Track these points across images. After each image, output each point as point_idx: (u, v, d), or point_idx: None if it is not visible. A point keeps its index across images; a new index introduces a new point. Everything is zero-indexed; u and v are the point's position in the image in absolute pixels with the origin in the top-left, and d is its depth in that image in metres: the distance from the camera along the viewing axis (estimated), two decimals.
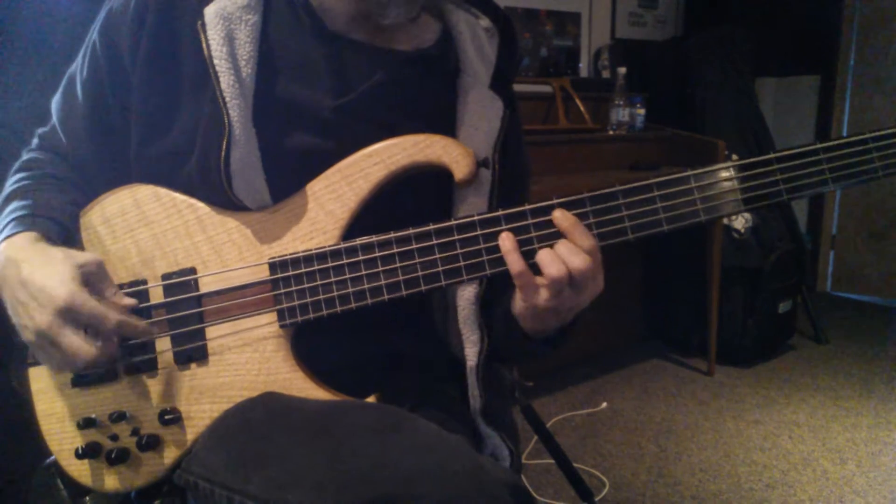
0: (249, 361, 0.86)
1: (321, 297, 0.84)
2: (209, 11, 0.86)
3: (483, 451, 0.98)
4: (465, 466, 0.70)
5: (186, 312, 0.87)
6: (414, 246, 0.83)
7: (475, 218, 0.83)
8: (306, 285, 0.84)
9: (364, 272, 0.83)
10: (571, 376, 3.10)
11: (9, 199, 0.94)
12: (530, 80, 3.29)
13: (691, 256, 3.19)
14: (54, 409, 0.91)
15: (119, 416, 0.87)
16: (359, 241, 0.84)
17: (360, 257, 0.84)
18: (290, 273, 0.85)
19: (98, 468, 0.89)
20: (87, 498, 0.93)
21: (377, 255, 0.83)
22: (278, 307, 0.85)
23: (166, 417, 0.86)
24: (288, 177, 0.87)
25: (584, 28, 3.70)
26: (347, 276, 0.84)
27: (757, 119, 3.47)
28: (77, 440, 0.89)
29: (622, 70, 3.17)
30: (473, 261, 0.82)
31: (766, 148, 3.41)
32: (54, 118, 1.02)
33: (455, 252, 0.83)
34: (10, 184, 0.97)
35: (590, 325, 3.30)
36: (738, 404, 2.83)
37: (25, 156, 1.03)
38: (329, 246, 0.84)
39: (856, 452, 2.42)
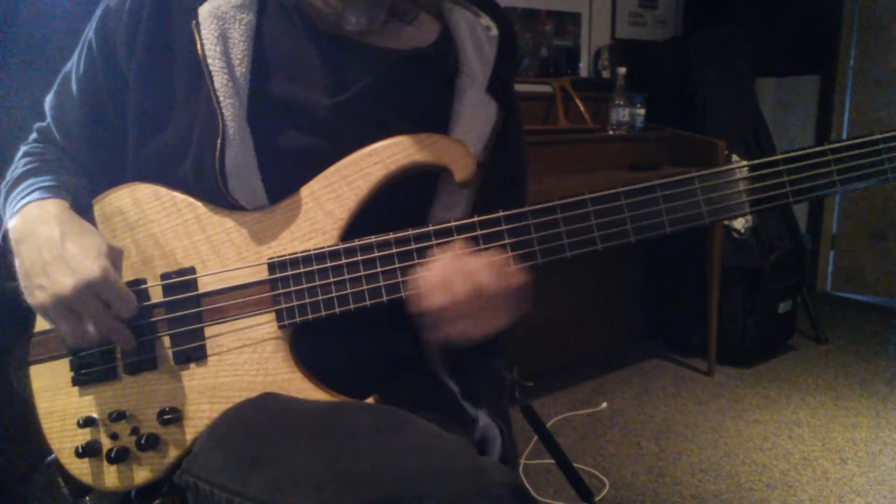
0: (248, 362, 0.86)
1: (320, 297, 0.84)
2: (203, 10, 0.86)
3: (475, 433, 0.98)
4: (466, 467, 0.70)
5: (185, 312, 0.87)
6: (413, 246, 0.83)
7: (475, 220, 0.83)
8: (305, 286, 0.84)
9: (363, 273, 0.83)
10: (571, 376, 3.10)
11: (22, 177, 0.94)
12: (530, 80, 3.29)
13: (691, 256, 3.19)
14: (55, 408, 0.91)
15: (119, 416, 0.88)
16: (358, 241, 0.84)
17: (359, 258, 0.84)
18: (289, 273, 0.85)
19: (98, 467, 0.89)
20: (88, 497, 0.93)
21: (376, 255, 0.83)
22: (277, 308, 0.85)
23: (165, 417, 0.86)
24: (284, 176, 0.87)
25: (584, 28, 3.70)
26: (346, 276, 0.84)
27: (757, 119, 3.47)
28: (77, 439, 0.89)
29: (622, 70, 3.17)
30: None
31: (766, 148, 3.41)
32: (48, 117, 1.02)
33: None
34: (20, 166, 0.97)
35: (590, 325, 3.31)
36: (738, 404, 2.83)
37: (26, 146, 1.03)
38: (328, 246, 0.84)
39: (856, 452, 2.42)
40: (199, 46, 0.85)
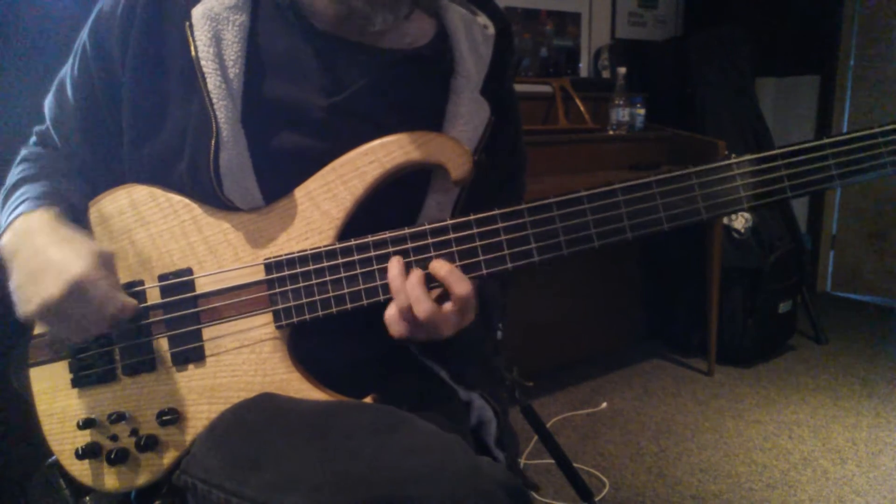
0: (246, 362, 0.86)
1: (317, 297, 0.84)
2: (196, 12, 0.86)
3: (470, 417, 0.98)
4: (463, 467, 0.70)
5: (183, 313, 0.87)
6: (409, 245, 0.83)
7: (471, 217, 0.82)
8: (302, 285, 0.85)
9: (359, 272, 0.84)
10: (571, 376, 3.10)
11: (17, 185, 0.95)
12: (530, 80, 3.29)
13: (691, 256, 3.19)
14: (55, 410, 0.91)
15: (118, 417, 0.88)
16: (354, 241, 0.84)
17: (356, 257, 0.84)
18: (286, 273, 0.85)
19: (98, 468, 0.89)
20: (88, 498, 0.93)
21: (372, 254, 0.83)
22: (274, 308, 0.85)
23: (164, 418, 0.86)
24: (279, 177, 0.87)
25: (584, 28, 3.70)
26: (343, 276, 0.84)
27: (757, 119, 3.47)
28: (77, 440, 0.90)
29: (622, 70, 3.17)
30: (469, 260, 0.82)
31: (766, 148, 3.38)
32: (47, 120, 1.02)
33: (451, 250, 0.82)
34: (16, 173, 0.98)
35: (590, 325, 3.31)
36: (738, 404, 2.83)
37: (25, 151, 1.03)
38: (324, 246, 0.85)
39: (856, 452, 2.42)
40: (192, 48, 0.85)
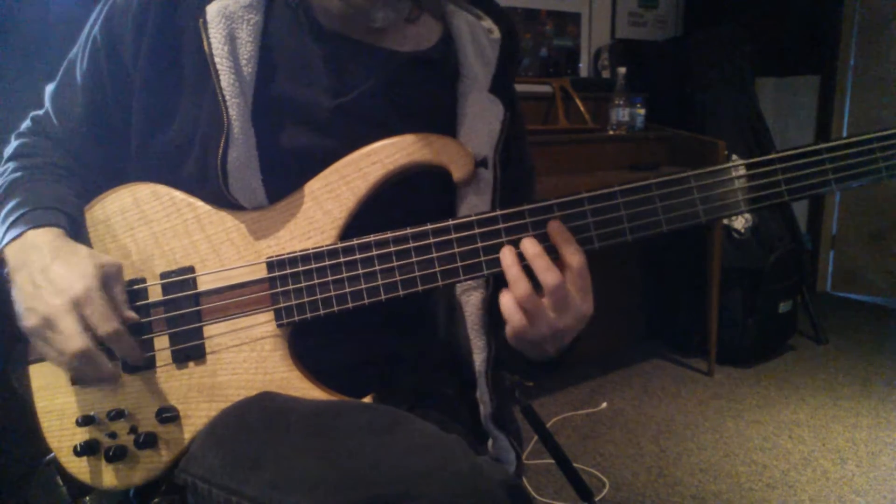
0: (247, 360, 0.86)
1: (318, 296, 0.84)
2: (211, 9, 0.86)
3: (487, 453, 0.97)
4: (463, 467, 0.70)
5: (184, 311, 0.87)
6: (411, 245, 0.83)
7: (472, 218, 0.82)
8: (304, 284, 0.84)
9: (361, 272, 0.83)
10: (571, 376, 3.10)
11: (11, 190, 0.94)
12: (530, 80, 3.29)
13: (691, 256, 3.19)
14: (54, 407, 0.91)
15: (118, 414, 0.88)
16: (356, 240, 0.84)
17: (358, 256, 0.84)
18: (288, 272, 0.85)
19: (96, 466, 0.89)
20: (88, 498, 0.93)
21: (374, 254, 0.83)
22: (275, 306, 0.85)
23: (164, 416, 0.86)
24: (285, 177, 0.87)
25: (584, 28, 3.70)
26: (345, 275, 0.84)
27: (757, 119, 3.47)
28: (76, 437, 0.89)
29: (622, 70, 3.17)
30: (471, 261, 0.82)
31: (766, 148, 3.41)
32: (49, 108, 1.01)
33: (452, 251, 0.82)
34: (10, 171, 0.97)
35: (590, 325, 3.30)
36: (738, 404, 2.83)
37: (17, 141, 1.02)
38: (326, 245, 0.85)
39: (856, 452, 2.42)
40: (206, 45, 0.85)
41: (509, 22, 1.01)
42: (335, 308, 0.84)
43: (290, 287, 0.85)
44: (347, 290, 0.84)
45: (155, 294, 0.88)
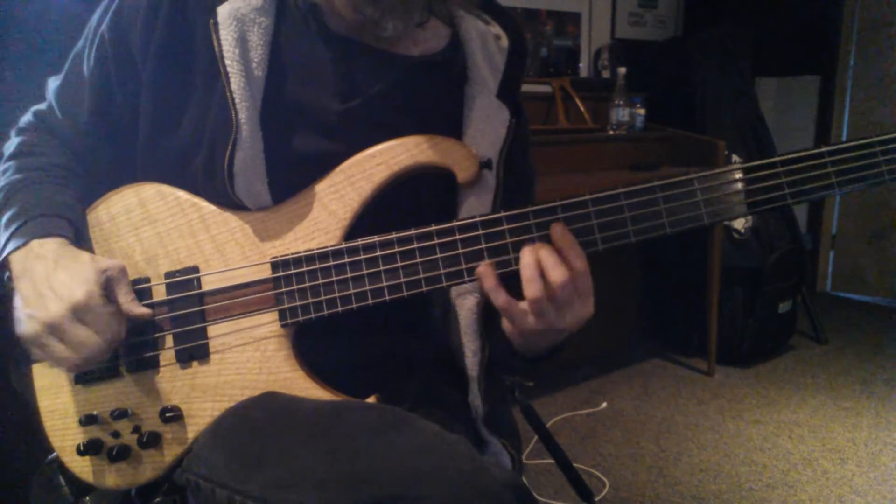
0: (251, 360, 0.86)
1: (322, 297, 0.84)
2: (222, 11, 0.86)
3: (485, 454, 0.97)
4: (467, 467, 0.70)
5: (188, 311, 0.87)
6: (416, 246, 0.83)
7: (477, 219, 0.83)
8: (308, 285, 0.85)
9: (365, 272, 0.84)
10: (571, 376, 3.10)
11: (12, 192, 0.93)
12: (530, 80, 3.29)
13: (691, 256, 3.20)
14: (57, 406, 0.91)
15: (121, 414, 0.88)
16: (360, 241, 0.84)
17: (362, 257, 0.84)
18: (292, 272, 0.85)
19: (99, 465, 0.89)
20: (88, 498, 0.93)
21: (378, 254, 0.83)
22: (280, 307, 0.85)
23: (167, 415, 0.86)
24: (291, 179, 0.87)
25: (584, 28, 3.70)
26: (349, 275, 0.84)
27: (757, 119, 3.47)
28: (79, 437, 0.89)
29: (622, 70, 3.17)
30: (475, 263, 0.82)
31: (766, 148, 3.41)
32: (54, 103, 1.00)
33: (457, 252, 0.83)
34: (10, 172, 0.96)
35: (590, 325, 3.30)
36: (738, 404, 2.83)
37: (17, 137, 1.01)
38: (331, 246, 0.85)
39: (856, 452, 2.42)
40: (216, 46, 0.85)
41: (518, 29, 1.01)
42: (339, 308, 0.84)
43: (295, 287, 0.85)
44: (352, 290, 0.84)
45: (159, 294, 0.88)
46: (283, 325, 0.85)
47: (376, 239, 0.84)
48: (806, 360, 3.28)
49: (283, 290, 0.85)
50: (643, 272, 3.58)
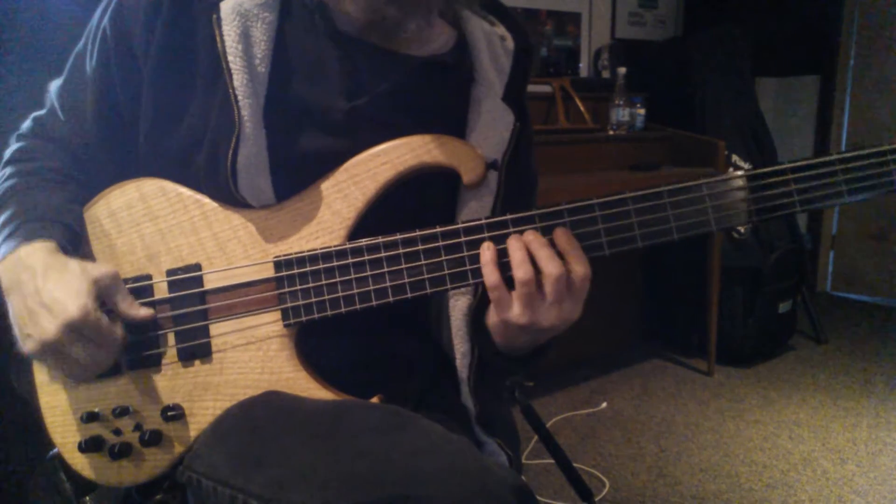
0: (253, 360, 0.86)
1: (326, 297, 0.84)
2: (226, 7, 0.85)
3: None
4: (470, 467, 0.70)
5: (190, 309, 0.87)
6: (420, 248, 0.83)
7: (482, 221, 0.82)
8: (311, 285, 0.84)
9: (369, 273, 0.83)
10: (571, 376, 3.10)
11: (7, 196, 0.92)
12: (530, 80, 3.28)
13: (691, 256, 3.19)
14: (58, 402, 0.91)
15: (122, 411, 0.87)
16: (364, 241, 0.84)
17: (366, 258, 0.83)
18: (295, 272, 0.85)
19: (101, 462, 0.89)
20: (88, 498, 0.93)
21: (383, 255, 0.83)
22: (282, 306, 0.85)
23: (169, 414, 0.85)
24: (295, 177, 0.87)
25: (584, 28, 3.70)
26: (352, 276, 0.84)
27: (757, 119, 3.47)
28: (80, 434, 0.89)
29: (622, 70, 3.17)
30: (479, 265, 0.82)
31: (766, 148, 3.41)
32: (56, 103, 0.99)
33: (462, 255, 0.82)
34: (5, 178, 0.95)
35: (590, 325, 3.30)
36: (738, 404, 2.83)
37: (16, 144, 1.00)
38: (335, 246, 0.84)
39: (856, 452, 2.42)
40: (219, 42, 0.84)
41: (524, 31, 1.00)
42: (342, 309, 0.84)
43: (298, 287, 0.85)
44: (355, 290, 0.83)
45: (161, 291, 0.88)
46: (285, 325, 0.85)
47: (380, 240, 0.83)
48: (806, 360, 3.28)
49: (286, 289, 0.85)
50: (643, 272, 3.58)
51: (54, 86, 1.00)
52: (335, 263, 0.84)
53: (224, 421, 0.84)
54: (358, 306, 0.84)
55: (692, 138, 3.15)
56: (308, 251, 0.85)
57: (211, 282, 0.87)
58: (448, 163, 0.86)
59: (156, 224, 0.89)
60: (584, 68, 3.71)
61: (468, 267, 0.82)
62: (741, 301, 3.20)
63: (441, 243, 0.82)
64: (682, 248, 3.26)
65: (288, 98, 0.88)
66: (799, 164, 0.80)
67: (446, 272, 0.83)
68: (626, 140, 3.13)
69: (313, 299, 0.84)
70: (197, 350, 0.86)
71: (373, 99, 0.91)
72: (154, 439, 0.86)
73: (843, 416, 2.71)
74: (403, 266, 0.83)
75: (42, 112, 1.01)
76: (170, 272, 0.88)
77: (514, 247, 0.80)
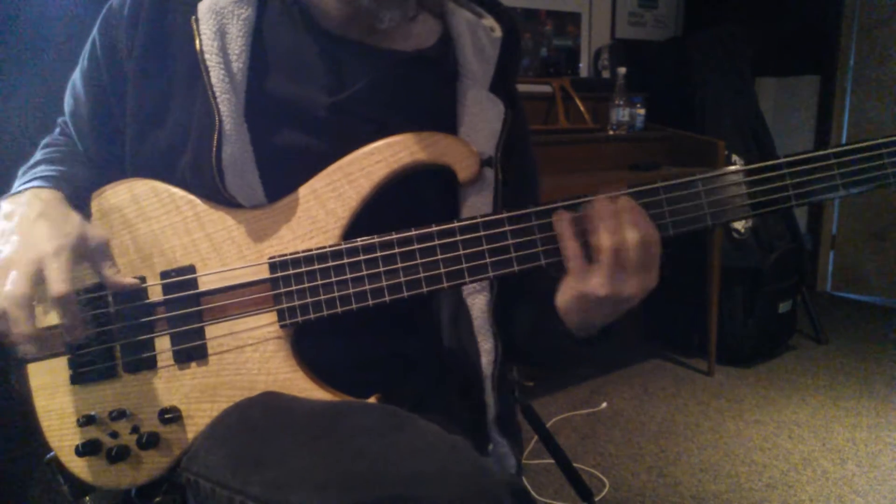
0: (249, 361, 0.85)
1: (321, 297, 0.84)
2: (203, 6, 0.86)
3: (489, 457, 0.97)
4: (468, 468, 0.70)
5: (185, 311, 0.86)
6: (416, 247, 0.82)
7: (478, 220, 0.82)
8: (307, 285, 0.84)
9: (365, 272, 0.83)
10: (571, 376, 3.09)
11: (37, 164, 0.96)
12: (530, 80, 3.29)
13: (691, 256, 3.19)
14: (54, 406, 0.91)
15: (119, 414, 0.87)
16: (360, 241, 0.83)
17: (362, 257, 0.83)
18: (291, 272, 0.84)
19: (98, 465, 0.88)
20: (88, 498, 0.93)
21: (378, 255, 0.83)
22: (278, 307, 0.85)
23: (166, 416, 0.85)
24: (282, 174, 0.87)
25: (584, 28, 3.70)
26: (348, 276, 0.83)
27: (757, 119, 3.47)
28: (77, 437, 0.89)
29: (622, 70, 3.17)
30: (476, 263, 0.82)
31: (766, 148, 3.41)
32: (66, 113, 1.03)
33: (458, 253, 0.82)
34: (39, 155, 0.99)
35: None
36: (738, 404, 2.83)
37: (48, 137, 1.05)
38: (330, 246, 0.84)
39: (856, 452, 2.42)
40: (197, 42, 0.85)
41: (511, 20, 1.00)
42: (339, 309, 0.83)
43: (294, 288, 0.84)
44: (351, 291, 0.83)
45: (155, 293, 0.88)
46: (282, 326, 0.85)
47: (376, 239, 0.83)
48: (806, 360, 3.28)
49: (282, 290, 0.85)
50: None
51: (65, 98, 1.03)
52: (330, 263, 0.84)
53: (222, 422, 0.84)
54: (354, 306, 0.83)
55: (692, 138, 3.15)
56: (303, 251, 0.84)
57: (206, 283, 0.86)
58: (443, 160, 0.85)
59: (148, 225, 0.89)
60: (584, 68, 3.71)
61: (464, 265, 0.82)
62: (741, 301, 3.20)
63: (437, 242, 0.82)
64: (682, 247, 3.28)
65: (268, 94, 0.89)
66: (794, 158, 0.80)
67: (443, 270, 0.82)
68: (626, 140, 3.13)
69: (309, 300, 0.84)
70: (193, 352, 0.86)
71: (354, 94, 0.90)
72: (151, 442, 0.86)
73: (843, 416, 2.70)
74: (399, 265, 0.83)
75: (63, 118, 1.05)
76: (164, 274, 0.87)
77: (602, 214, 0.77)
